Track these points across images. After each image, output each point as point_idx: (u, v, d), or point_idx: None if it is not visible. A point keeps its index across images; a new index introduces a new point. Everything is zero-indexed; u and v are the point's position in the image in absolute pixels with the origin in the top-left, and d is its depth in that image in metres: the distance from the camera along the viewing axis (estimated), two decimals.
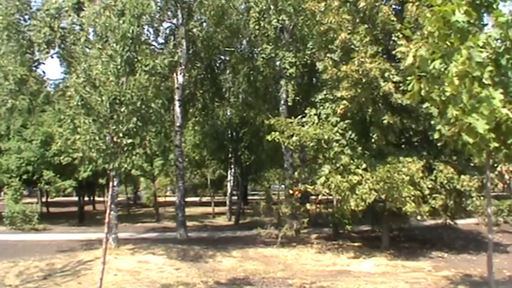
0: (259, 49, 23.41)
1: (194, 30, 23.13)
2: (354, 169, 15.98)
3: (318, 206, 24.43)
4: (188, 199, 32.53)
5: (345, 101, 16.40)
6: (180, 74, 21.94)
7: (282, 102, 22.52)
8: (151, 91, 10.73)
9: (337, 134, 16.60)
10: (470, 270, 13.94)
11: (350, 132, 16.83)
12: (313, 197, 20.64)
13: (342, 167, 16.15)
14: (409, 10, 16.02)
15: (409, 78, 7.90)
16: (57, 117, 24.69)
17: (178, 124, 22.06)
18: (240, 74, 25.07)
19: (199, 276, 13.43)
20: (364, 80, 15.86)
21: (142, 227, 26.96)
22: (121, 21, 9.98)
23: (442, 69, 6.98)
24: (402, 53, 12.28)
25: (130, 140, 9.84)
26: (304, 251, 18.05)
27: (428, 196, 15.79)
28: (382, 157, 16.28)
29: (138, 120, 10.01)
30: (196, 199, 45.05)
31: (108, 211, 10.90)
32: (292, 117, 18.00)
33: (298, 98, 22.37)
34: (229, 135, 31.89)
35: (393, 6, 17.00)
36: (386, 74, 15.87)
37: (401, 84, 14.74)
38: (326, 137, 16.36)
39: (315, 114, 17.32)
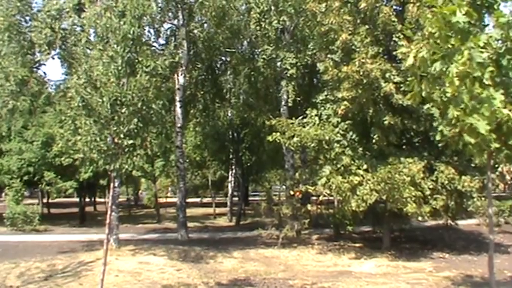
0: (260, 50, 23.42)
1: (195, 31, 23.16)
2: (355, 170, 15.98)
3: (319, 206, 24.43)
4: (189, 200, 32.58)
5: (345, 102, 16.40)
6: (181, 75, 21.96)
7: (283, 103, 22.51)
8: (152, 92, 10.75)
9: (338, 134, 16.60)
10: (472, 270, 13.92)
11: (351, 133, 16.83)
12: (314, 198, 20.63)
13: (342, 168, 16.15)
14: (409, 11, 16.06)
15: (409, 79, 7.91)
16: (58, 118, 24.68)
17: (179, 125, 22.07)
18: (240, 75, 25.08)
19: (200, 277, 13.43)
20: (365, 81, 15.86)
21: (143, 228, 26.97)
22: (122, 22, 9.99)
23: (443, 70, 6.97)
24: (403, 54, 12.26)
25: (131, 141, 9.83)
26: (305, 251, 18.04)
27: (429, 197, 15.78)
28: (383, 158, 16.27)
29: (139, 121, 10.01)
30: (197, 200, 45.08)
31: (109, 212, 10.90)
32: (293, 118, 17.98)
33: (299, 98, 22.38)
34: (230, 136, 31.92)
35: (394, 7, 17.03)
36: (387, 75, 15.87)
37: (402, 85, 14.73)
38: (327, 137, 16.36)
39: (315, 115, 17.31)
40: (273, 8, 21.41)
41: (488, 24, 8.16)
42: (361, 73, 15.69)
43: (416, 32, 11.54)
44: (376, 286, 12.33)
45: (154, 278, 13.15)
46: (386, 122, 16.01)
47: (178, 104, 21.95)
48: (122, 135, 9.72)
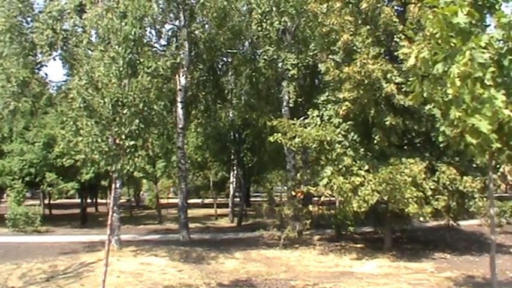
0: (261, 51, 23.40)
1: (196, 32, 23.17)
2: (357, 170, 15.97)
3: (321, 207, 24.47)
4: (190, 201, 32.61)
5: (347, 103, 16.39)
6: (182, 75, 21.98)
7: (284, 103, 22.50)
8: (154, 93, 10.76)
9: (340, 135, 16.59)
10: (473, 271, 13.89)
11: (352, 134, 16.81)
12: (316, 199, 20.66)
13: (344, 169, 16.14)
14: (411, 11, 16.05)
15: (411, 79, 7.89)
16: (59, 119, 24.72)
17: (180, 126, 22.10)
18: (242, 76, 25.07)
19: (201, 278, 13.43)
20: (366, 82, 15.84)
21: (145, 229, 26.98)
22: (123, 23, 10.01)
23: (445, 70, 6.97)
24: (404, 54, 12.23)
25: (132, 142, 9.84)
26: (306, 252, 18.03)
27: (430, 197, 15.77)
28: (384, 158, 16.26)
29: (141, 122, 10.02)
30: (199, 201, 45.11)
31: (110, 213, 10.90)
32: (295, 119, 17.97)
33: (300, 99, 22.39)
34: (232, 137, 31.94)
35: (395, 8, 17.04)
36: (388, 75, 15.86)
37: (403, 86, 14.70)
38: (328, 138, 16.36)
39: (317, 116, 17.30)
40: (274, 8, 21.41)
41: (489, 25, 8.15)
42: (363, 74, 15.67)
43: (418, 33, 11.61)
44: (378, 287, 12.31)
45: (156, 279, 13.15)
46: (387, 123, 15.99)
47: (179, 105, 21.97)
48: (123, 136, 9.73)
